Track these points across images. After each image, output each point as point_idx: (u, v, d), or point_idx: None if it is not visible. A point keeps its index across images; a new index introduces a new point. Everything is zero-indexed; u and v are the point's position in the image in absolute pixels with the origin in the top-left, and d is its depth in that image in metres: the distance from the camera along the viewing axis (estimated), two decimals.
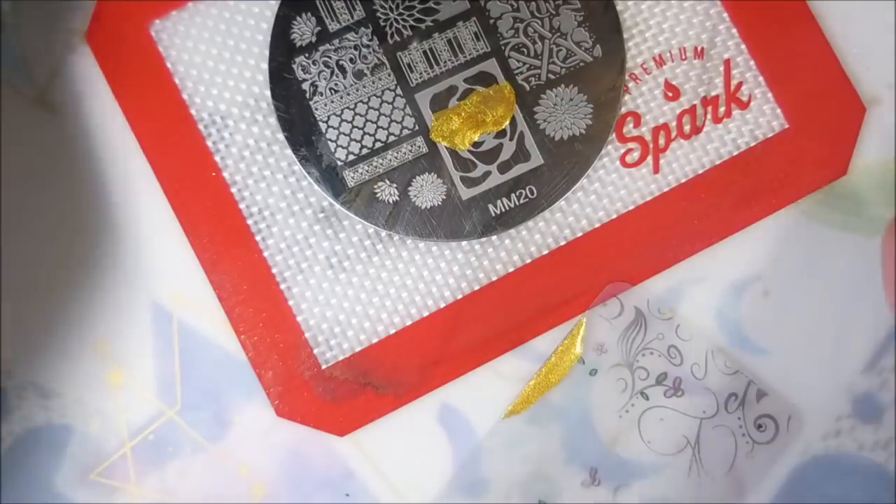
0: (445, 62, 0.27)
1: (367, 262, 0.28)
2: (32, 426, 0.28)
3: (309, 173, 0.27)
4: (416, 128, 0.27)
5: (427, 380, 0.27)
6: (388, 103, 0.27)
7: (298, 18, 0.27)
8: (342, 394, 0.27)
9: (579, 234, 0.28)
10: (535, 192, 0.27)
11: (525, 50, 0.27)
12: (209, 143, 0.28)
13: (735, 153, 0.28)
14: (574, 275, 0.27)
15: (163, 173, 0.28)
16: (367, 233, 0.28)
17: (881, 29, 0.28)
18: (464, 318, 0.27)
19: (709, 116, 0.28)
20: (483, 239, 0.27)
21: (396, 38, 0.27)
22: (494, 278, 0.28)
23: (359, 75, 0.27)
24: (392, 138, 0.27)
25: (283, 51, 0.27)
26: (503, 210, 0.27)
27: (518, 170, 0.27)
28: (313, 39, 0.27)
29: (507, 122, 0.27)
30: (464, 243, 0.27)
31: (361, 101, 0.27)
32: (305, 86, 0.27)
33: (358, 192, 0.27)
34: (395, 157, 0.27)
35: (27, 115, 0.28)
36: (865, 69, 0.28)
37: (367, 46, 0.27)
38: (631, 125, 0.28)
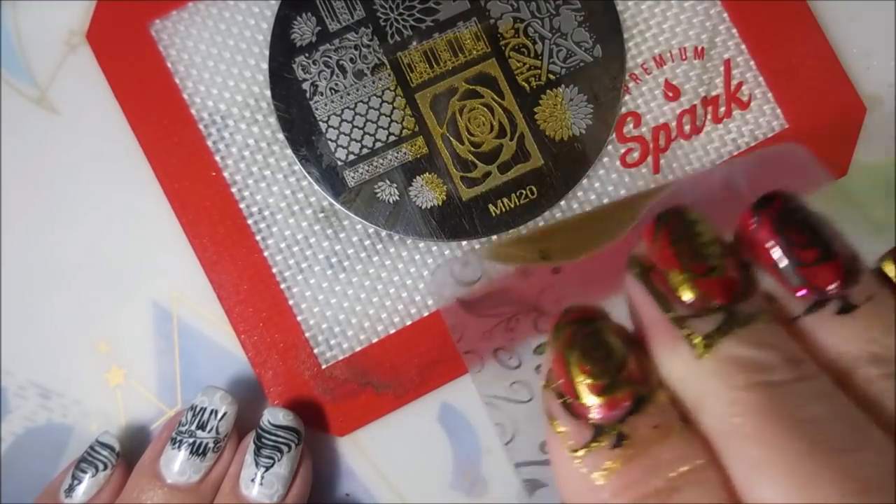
0: (445, 62, 0.27)
1: (367, 262, 0.28)
2: (32, 426, 0.28)
3: (309, 173, 0.27)
4: (417, 128, 0.27)
5: (427, 380, 0.27)
6: (389, 103, 0.27)
7: (298, 18, 0.27)
8: (342, 394, 0.27)
9: None
10: (535, 192, 0.27)
11: (525, 50, 0.27)
12: (209, 143, 0.28)
13: (735, 153, 0.28)
14: None
15: (163, 173, 0.27)
16: (367, 233, 0.28)
17: (881, 29, 0.28)
18: None
19: (709, 116, 0.28)
20: (483, 239, 0.27)
21: (396, 38, 0.27)
22: None
23: (359, 75, 0.27)
24: (392, 138, 0.27)
25: (283, 51, 0.27)
26: (504, 210, 0.27)
27: (518, 170, 0.27)
28: (313, 39, 0.27)
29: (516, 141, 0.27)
30: (464, 243, 0.27)
31: (362, 101, 0.27)
32: (305, 86, 0.27)
33: (358, 192, 0.27)
34: (396, 157, 0.27)
35: (27, 115, 0.28)
36: (865, 69, 0.28)
37: (368, 46, 0.27)
38: (631, 125, 0.28)
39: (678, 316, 0.15)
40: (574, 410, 0.14)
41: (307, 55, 0.27)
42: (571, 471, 0.14)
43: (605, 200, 0.28)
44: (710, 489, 0.13)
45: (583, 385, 0.14)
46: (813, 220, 0.16)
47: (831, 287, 0.15)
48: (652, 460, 0.14)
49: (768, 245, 0.15)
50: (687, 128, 0.28)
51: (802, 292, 0.15)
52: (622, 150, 0.28)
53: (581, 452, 0.14)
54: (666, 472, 0.13)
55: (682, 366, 0.14)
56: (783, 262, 0.15)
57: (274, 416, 0.25)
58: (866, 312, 0.15)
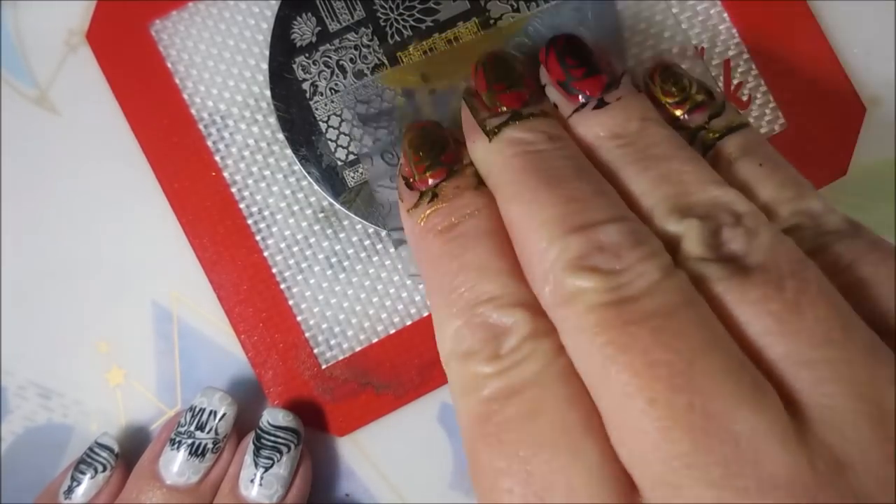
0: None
1: (367, 262, 0.28)
2: (32, 426, 0.28)
3: (309, 173, 0.27)
4: None
5: (427, 380, 0.27)
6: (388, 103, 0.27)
7: (298, 18, 0.27)
8: (342, 394, 0.27)
9: None
10: None
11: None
12: (209, 143, 0.28)
13: None
14: None
15: (163, 173, 0.28)
16: (367, 233, 0.28)
17: (881, 29, 0.28)
18: None
19: None
20: None
21: (396, 38, 0.27)
22: None
23: (359, 75, 0.27)
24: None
25: (283, 51, 0.27)
26: None
27: None
28: (313, 39, 0.27)
29: None
30: None
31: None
32: (305, 86, 0.27)
33: (358, 192, 0.27)
34: (396, 157, 0.27)
35: (27, 115, 0.28)
36: (865, 69, 0.28)
37: (368, 46, 0.27)
38: None
39: (483, 118, 0.21)
40: (412, 186, 0.22)
41: (307, 55, 0.27)
42: (408, 223, 0.21)
43: None
44: (483, 221, 0.20)
45: (415, 167, 0.22)
46: (585, 50, 0.22)
47: (593, 93, 0.21)
48: (450, 207, 0.20)
49: (553, 67, 0.22)
50: None
51: (573, 97, 0.22)
52: None
53: (413, 210, 0.21)
54: (457, 213, 0.20)
55: (480, 149, 0.21)
56: (562, 78, 0.22)
57: (273, 416, 0.25)
58: (615, 107, 0.21)
